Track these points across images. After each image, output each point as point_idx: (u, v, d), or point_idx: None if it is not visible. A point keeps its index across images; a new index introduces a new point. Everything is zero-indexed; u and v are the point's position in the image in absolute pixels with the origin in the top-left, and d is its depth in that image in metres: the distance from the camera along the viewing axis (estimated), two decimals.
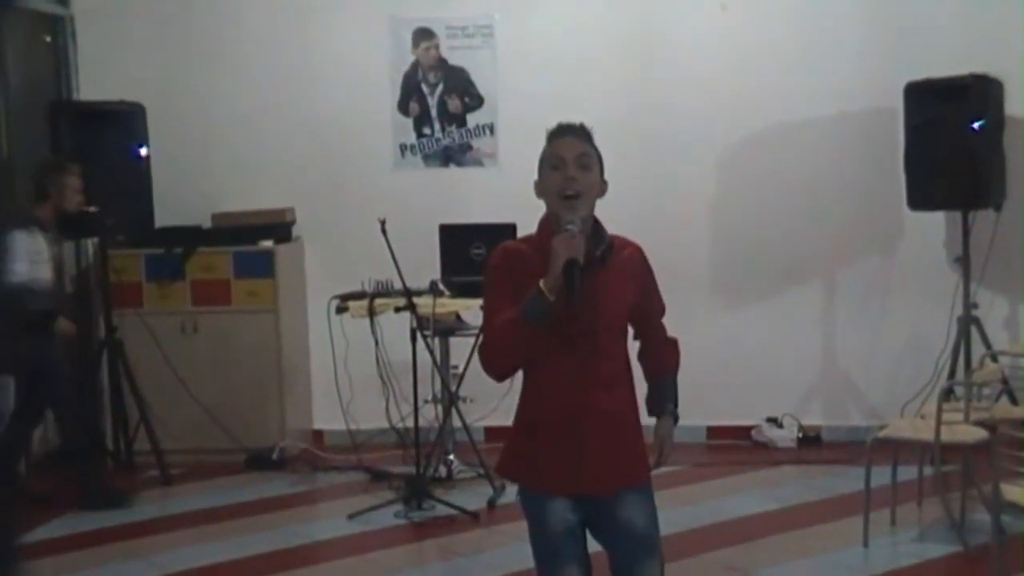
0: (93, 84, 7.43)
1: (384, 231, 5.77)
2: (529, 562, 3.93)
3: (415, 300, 6.07)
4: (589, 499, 3.38)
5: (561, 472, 3.36)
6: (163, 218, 7.09)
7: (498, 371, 3.36)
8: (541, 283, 3.19)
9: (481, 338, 3.44)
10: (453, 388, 6.60)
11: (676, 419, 3.59)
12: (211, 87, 7.50)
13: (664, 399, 3.57)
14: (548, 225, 3.37)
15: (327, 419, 7.49)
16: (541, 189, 3.38)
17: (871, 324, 7.20)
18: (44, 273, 6.11)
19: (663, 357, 3.62)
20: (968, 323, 6.67)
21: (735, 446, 7.22)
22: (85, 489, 6.42)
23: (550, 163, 3.34)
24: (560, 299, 3.19)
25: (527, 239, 3.43)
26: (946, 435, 5.14)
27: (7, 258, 5.37)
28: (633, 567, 3.39)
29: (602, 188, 3.39)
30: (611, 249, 3.38)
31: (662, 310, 3.62)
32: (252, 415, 7.12)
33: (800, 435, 7.22)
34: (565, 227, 3.25)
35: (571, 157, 3.31)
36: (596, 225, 3.40)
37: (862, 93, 7.07)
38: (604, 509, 3.39)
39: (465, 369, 6.57)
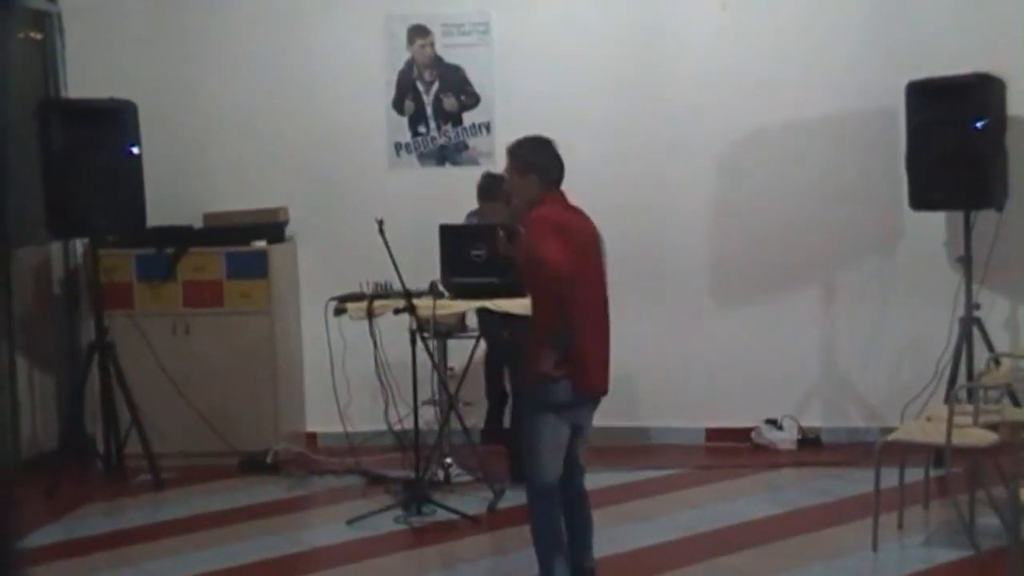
0: (82, 81, 7.30)
1: (382, 231, 5.67)
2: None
3: (414, 302, 5.97)
4: None
5: None
6: (154, 218, 6.95)
7: None
8: None
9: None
10: (452, 391, 6.50)
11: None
12: (203, 84, 7.39)
13: None
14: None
15: (320, 422, 7.40)
16: None
17: (871, 325, 7.14)
18: None
19: None
20: (970, 324, 6.62)
21: (735, 448, 7.15)
22: (516, 463, 6.35)
23: None
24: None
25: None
26: (956, 438, 5.08)
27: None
28: None
29: (524, 182, 4.62)
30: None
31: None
32: (245, 418, 7.01)
33: (800, 437, 7.15)
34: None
35: None
36: (531, 207, 4.58)
37: (863, 92, 7.02)
38: None
39: (465, 372, 6.47)
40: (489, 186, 6.44)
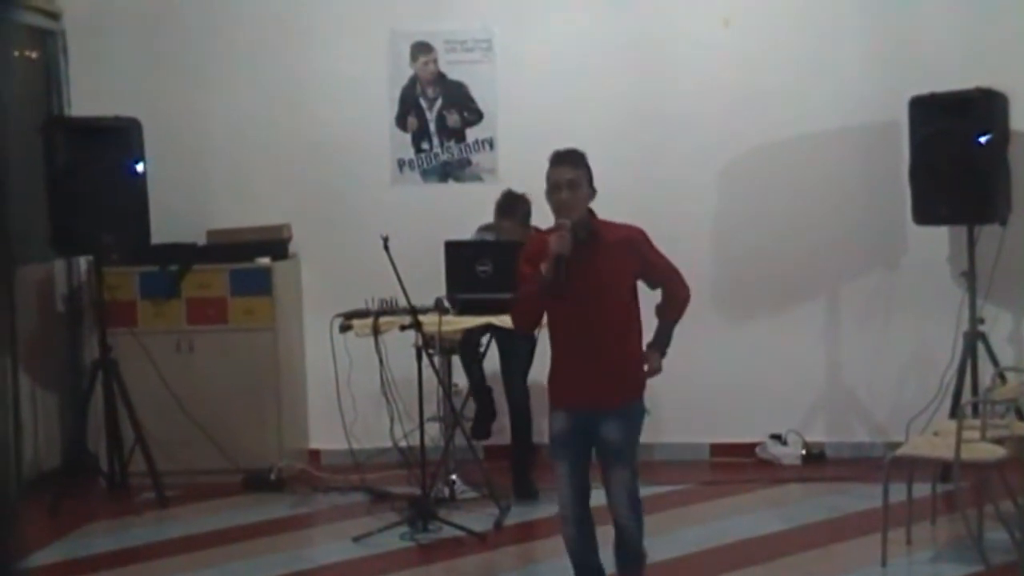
0: (85, 100, 7.30)
1: (387, 247, 5.67)
2: None
3: (420, 318, 5.96)
4: (585, 413, 4.48)
5: (564, 391, 4.55)
6: (158, 235, 6.93)
7: (524, 326, 4.79)
8: (542, 267, 4.38)
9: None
10: (458, 407, 6.49)
11: (662, 352, 4.65)
12: (206, 102, 7.39)
13: (654, 340, 4.68)
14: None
15: (324, 439, 7.37)
16: (548, 200, 4.54)
17: (875, 340, 7.14)
18: None
19: (663, 311, 4.70)
20: (974, 339, 6.62)
21: (739, 464, 7.13)
22: (518, 479, 6.50)
23: (549, 185, 4.49)
24: (555, 278, 4.35)
25: (550, 229, 4.56)
26: (965, 453, 5.07)
27: None
28: (606, 471, 4.54)
29: (591, 195, 4.51)
30: (594, 237, 4.44)
31: (667, 273, 4.66)
32: (249, 435, 7.00)
33: (804, 452, 7.14)
34: (560, 227, 4.43)
35: (564, 182, 4.44)
36: (590, 219, 4.48)
37: (866, 107, 7.03)
38: (594, 422, 4.47)
39: (470, 388, 6.45)
40: (508, 203, 6.43)
